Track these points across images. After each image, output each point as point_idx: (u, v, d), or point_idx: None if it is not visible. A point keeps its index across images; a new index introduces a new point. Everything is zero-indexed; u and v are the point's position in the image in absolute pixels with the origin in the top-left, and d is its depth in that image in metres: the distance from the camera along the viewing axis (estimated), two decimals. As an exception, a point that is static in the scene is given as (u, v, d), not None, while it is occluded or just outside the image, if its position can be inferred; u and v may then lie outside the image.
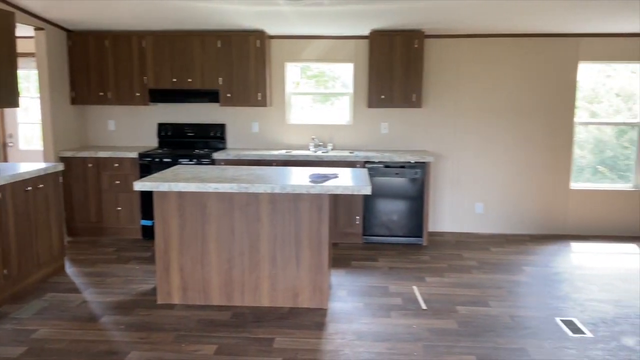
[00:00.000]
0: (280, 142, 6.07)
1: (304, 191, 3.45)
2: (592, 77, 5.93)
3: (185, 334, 3.40)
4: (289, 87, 6.06)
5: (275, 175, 3.89)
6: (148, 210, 5.51)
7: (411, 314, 3.74)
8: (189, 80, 5.69)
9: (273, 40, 5.89)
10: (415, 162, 5.37)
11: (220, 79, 5.67)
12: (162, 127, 6.04)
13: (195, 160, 5.51)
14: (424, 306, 3.86)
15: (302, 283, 3.81)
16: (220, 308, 3.81)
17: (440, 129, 5.92)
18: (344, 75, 6.09)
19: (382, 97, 5.58)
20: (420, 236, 5.47)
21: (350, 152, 5.64)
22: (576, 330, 3.48)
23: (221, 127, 6.03)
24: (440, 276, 4.53)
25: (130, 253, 5.11)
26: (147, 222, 5.57)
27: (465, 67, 5.80)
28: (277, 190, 3.46)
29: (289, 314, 3.73)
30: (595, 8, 4.53)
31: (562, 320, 3.64)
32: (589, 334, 3.42)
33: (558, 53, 5.71)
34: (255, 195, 3.73)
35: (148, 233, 5.57)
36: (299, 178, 3.76)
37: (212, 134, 6.02)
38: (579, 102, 5.85)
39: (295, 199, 3.71)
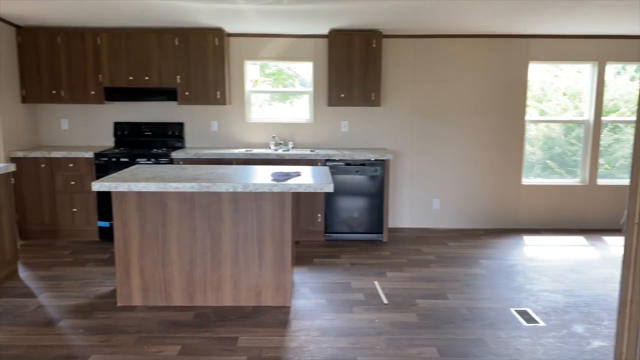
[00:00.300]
0: (240, 140, 6.05)
1: (266, 190, 3.47)
2: (540, 76, 6.17)
3: (147, 335, 3.36)
4: (248, 86, 6.04)
5: (236, 174, 3.88)
6: (105, 211, 5.39)
7: (373, 308, 3.81)
8: (146, 78, 5.59)
9: (232, 39, 5.86)
10: (375, 160, 5.45)
11: (179, 77, 5.59)
12: (119, 126, 5.91)
13: (153, 159, 5.42)
14: (385, 301, 3.94)
15: (265, 281, 3.82)
16: (182, 309, 3.78)
17: (398, 127, 6.03)
18: (303, 74, 6.12)
19: (342, 95, 5.64)
20: (380, 232, 5.57)
21: (311, 151, 5.68)
22: (530, 319, 3.64)
23: (179, 126, 5.95)
24: (401, 271, 4.63)
25: (87, 255, 4.99)
26: (104, 224, 5.45)
27: (422, 67, 5.93)
28: (239, 189, 3.46)
29: (252, 312, 3.73)
30: (543, 10, 4.72)
31: (517, 311, 3.79)
32: (541, 323, 3.58)
33: (509, 53, 5.92)
34: (217, 195, 3.71)
35: (106, 234, 5.45)
36: (261, 177, 3.77)
37: (170, 132, 5.94)
38: (529, 101, 6.08)
39: (258, 197, 3.72)
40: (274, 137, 5.94)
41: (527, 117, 6.07)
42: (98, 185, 3.46)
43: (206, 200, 3.72)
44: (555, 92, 6.25)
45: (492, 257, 5.05)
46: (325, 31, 5.68)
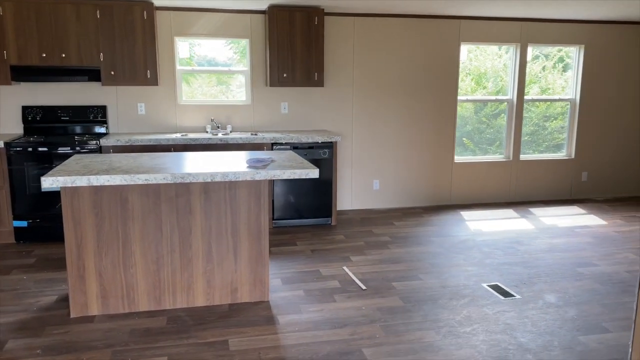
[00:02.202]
0: (170, 124, 5.56)
1: (248, 178, 3.18)
2: (464, 56, 6.39)
3: (123, 349, 2.95)
4: (179, 65, 5.56)
5: (202, 161, 3.52)
6: (22, 208, 4.69)
7: (355, 295, 3.70)
8: (63, 55, 4.91)
9: (160, 12, 5.33)
10: (323, 142, 5.31)
11: (102, 54, 4.98)
12: (28, 111, 5.15)
13: (78, 147, 4.80)
14: (363, 286, 3.85)
15: (241, 277, 3.54)
16: (150, 314, 3.38)
17: (338, 108, 5.92)
18: (240, 52, 5.76)
19: (285, 75, 5.39)
20: (329, 216, 5.46)
21: (253, 134, 5.38)
22: (505, 293, 3.75)
23: (102, 109, 5.33)
24: (363, 254, 4.56)
25: (8, 261, 4.31)
26: (21, 223, 4.74)
27: (361, 47, 5.85)
28: (217, 179, 3.13)
29: (230, 311, 3.45)
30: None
31: (489, 286, 3.89)
32: (517, 296, 3.71)
33: (443, 34, 6.03)
34: (186, 186, 3.35)
35: (24, 235, 4.76)
36: (230, 164, 3.45)
37: (91, 117, 5.30)
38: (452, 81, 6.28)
39: (232, 186, 3.42)
40: (212, 120, 5.54)
41: (459, 97, 6.26)
42: (50, 181, 2.94)
43: (173, 192, 3.34)
44: (479, 71, 6.50)
45: (441, 234, 5.17)
46: (263, 7, 5.37)
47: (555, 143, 6.77)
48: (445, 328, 3.22)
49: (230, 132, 5.55)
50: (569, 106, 6.70)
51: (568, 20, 6.30)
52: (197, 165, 3.36)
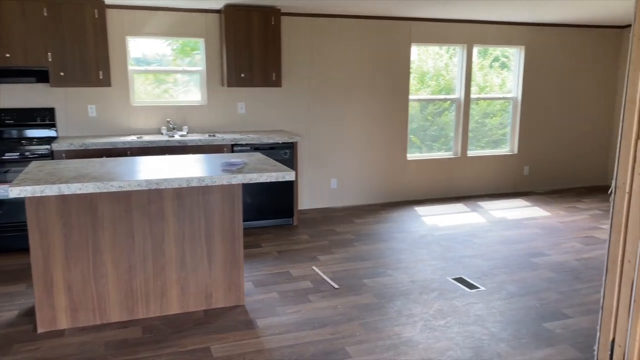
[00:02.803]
0: (123, 126, 5.39)
1: (224, 182, 3.15)
2: (414, 57, 6.58)
3: (101, 363, 2.86)
4: (131, 65, 5.38)
5: (172, 166, 3.44)
6: (-31, 219, 4.40)
7: (329, 295, 3.75)
8: (7, 55, 4.63)
9: (111, 11, 5.14)
10: (284, 143, 5.31)
11: (50, 54, 4.75)
12: (-31, 114, 4.83)
13: (28, 153, 4.55)
14: (335, 285, 3.91)
15: (215, 282, 3.51)
16: (123, 325, 3.28)
17: (295, 108, 5.94)
18: (194, 52, 5.65)
19: (242, 75, 5.35)
20: (291, 216, 5.47)
21: (211, 135, 5.31)
22: (470, 285, 3.93)
23: (50, 112, 5.08)
24: (330, 253, 4.62)
25: (-45, 276, 4.04)
26: (-34, 235, 4.45)
27: (318, 47, 5.90)
28: (194, 184, 3.08)
29: (206, 317, 3.41)
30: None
31: (454, 279, 4.06)
32: (482, 288, 3.89)
33: (395, 35, 6.19)
34: (159, 192, 3.27)
35: (-30, 248, 4.47)
36: (205, 168, 3.39)
37: (38, 120, 5.03)
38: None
39: (205, 191, 3.37)
40: (168, 121, 5.41)
41: (410, 97, 6.45)
42: (18, 191, 2.78)
43: (145, 198, 3.26)
44: (428, 71, 6.72)
45: (401, 230, 5.32)
46: (218, 6, 5.29)
47: (494, 139, 7.09)
48: (421, 322, 3.34)
49: (187, 133, 5.44)
50: (511, 104, 7.05)
51: (510, 23, 6.63)
52: (168, 169, 3.28)
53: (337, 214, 5.94)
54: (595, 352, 2.68)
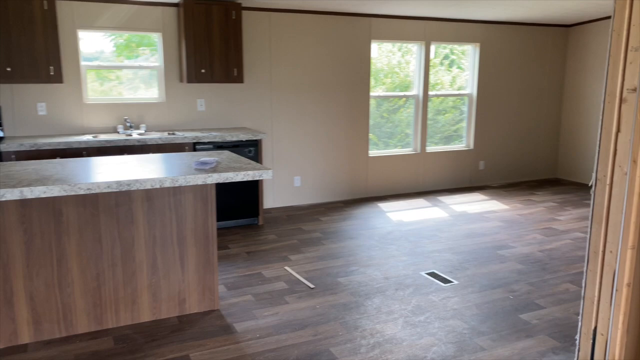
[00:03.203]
0: (76, 125, 5.10)
1: (199, 182, 3.01)
2: (375, 54, 6.60)
3: (72, 378, 2.67)
4: (84, 60, 5.10)
5: (139, 166, 3.26)
6: None
7: (305, 295, 3.68)
8: (-54, 49, 4.27)
9: (61, 2, 4.84)
10: (248, 141, 5.18)
11: (-5, 48, 4.42)
12: None
13: (-27, 155, 4.22)
14: (311, 285, 3.84)
15: (189, 287, 3.36)
16: (92, 336, 3.09)
17: (257, 105, 5.82)
18: (151, 47, 5.41)
19: (203, 71, 5.17)
20: (256, 216, 5.36)
21: (170, 133, 5.11)
22: (444, 280, 3.96)
23: (-6, 111, 4.73)
24: (300, 252, 4.55)
25: None
26: None
27: (278, 43, 5.79)
28: (167, 184, 2.92)
29: (181, 324, 3.26)
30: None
31: (427, 274, 4.08)
32: (455, 282, 3.92)
33: (356, 31, 6.17)
34: (127, 194, 3.09)
35: None
36: (175, 167, 3.24)
37: (-18, 119, 4.68)
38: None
39: (177, 192, 3.22)
40: (126, 119, 5.16)
41: (371, 93, 6.45)
42: (-26, 196, 2.55)
43: (113, 200, 3.07)
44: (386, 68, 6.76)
45: (367, 227, 5.31)
46: (176, -1, 5.10)
47: (446, 135, 7.19)
48: (401, 319, 3.32)
49: (145, 132, 5.21)
50: (466, 100, 7.19)
51: (466, 20, 6.75)
52: (135, 170, 3.10)
53: (301, 212, 5.86)
54: (577, 341, 2.75)
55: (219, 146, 5.06)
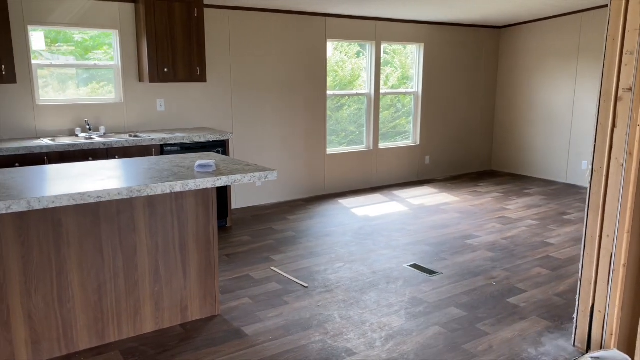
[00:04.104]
0: (28, 128, 4.75)
1: (209, 185, 2.94)
2: (329, 52, 6.69)
3: (92, 397, 2.53)
4: (35, 59, 4.75)
5: (128, 171, 3.12)
6: None
7: (302, 294, 3.70)
8: None
9: (10, -4, 4.48)
10: (215, 141, 5.08)
11: (-62, 45, 4.01)
12: None
13: None
14: (304, 284, 3.86)
15: (191, 293, 3.27)
16: (96, 351, 2.93)
17: (218, 104, 5.71)
18: (106, 45, 5.14)
19: (166, 70, 5.00)
20: (224, 218, 5.27)
21: (132, 135, 4.90)
22: (428, 271, 4.13)
23: None
24: (280, 252, 4.54)
25: None
26: None
27: (238, 41, 5.71)
28: (177, 189, 2.82)
29: (186, 332, 3.17)
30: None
31: (410, 266, 4.23)
32: (439, 272, 4.11)
33: (312, 31, 6.22)
34: (129, 201, 2.96)
35: None
36: (172, 171, 3.13)
37: None
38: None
39: (179, 197, 3.12)
40: (86, 121, 4.87)
41: (328, 92, 6.54)
42: (-22, 209, 2.33)
43: (114, 208, 2.93)
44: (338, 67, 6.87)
45: (337, 224, 5.39)
46: (135, -5, 4.89)
47: (384, 132, 7.33)
48: (402, 311, 3.44)
49: (105, 134, 4.95)
50: (412, 98, 7.48)
51: (412, 21, 7.02)
52: (129, 175, 2.96)
53: (266, 212, 5.84)
54: (575, 319, 3.00)
55: (186, 147, 4.92)
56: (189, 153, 4.77)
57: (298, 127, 6.32)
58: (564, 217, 5.68)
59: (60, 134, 4.87)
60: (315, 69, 6.33)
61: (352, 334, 3.13)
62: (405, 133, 7.52)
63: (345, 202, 6.31)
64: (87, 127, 4.87)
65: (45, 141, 4.47)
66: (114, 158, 4.55)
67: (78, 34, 4.99)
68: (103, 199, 2.60)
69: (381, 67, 6.94)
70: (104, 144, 4.50)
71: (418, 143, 7.53)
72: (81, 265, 2.86)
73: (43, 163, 4.24)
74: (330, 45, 6.56)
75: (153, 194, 2.74)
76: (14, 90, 4.62)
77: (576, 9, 6.78)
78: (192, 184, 2.86)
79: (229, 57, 5.67)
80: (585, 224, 2.89)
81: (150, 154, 4.72)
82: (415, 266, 4.23)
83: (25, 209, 2.41)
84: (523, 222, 5.47)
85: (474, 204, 6.25)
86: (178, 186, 2.82)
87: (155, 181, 2.77)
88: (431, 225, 5.35)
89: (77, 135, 4.83)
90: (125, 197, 2.66)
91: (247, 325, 3.24)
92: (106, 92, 5.16)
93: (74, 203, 2.52)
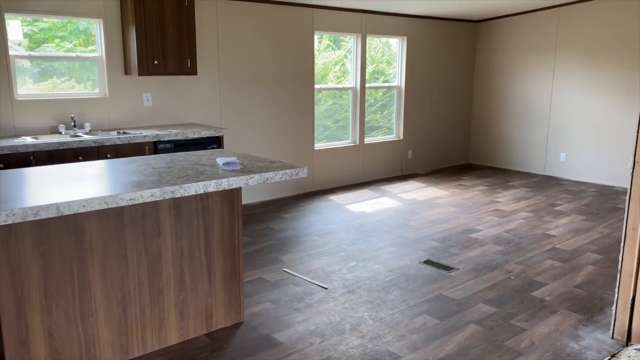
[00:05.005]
0: (6, 126, 4.35)
1: (242, 184, 2.73)
2: (316, 45, 6.53)
3: (132, 421, 2.29)
4: (12, 50, 4.35)
5: (141, 170, 2.86)
6: None
7: (325, 296, 3.54)
8: None
9: (-15, -21, 4.07)
10: (209, 137, 4.83)
11: None
12: None
13: None
14: (324, 285, 3.70)
15: (216, 300, 3.05)
16: (121, 369, 2.67)
17: (206, 98, 5.44)
18: (88, 34, 4.78)
19: (155, 63, 4.70)
20: (220, 217, 5.01)
21: (120, 132, 4.58)
22: (445, 267, 4.06)
23: None
24: (288, 252, 4.36)
25: None
26: None
27: (227, 32, 5.46)
28: (211, 189, 2.60)
29: (214, 342, 2.95)
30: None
31: (424, 262, 4.15)
32: (456, 268, 4.05)
33: (299, 22, 6.03)
34: (154, 202, 2.71)
35: None
36: (194, 169, 2.90)
37: None
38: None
39: (204, 197, 2.90)
40: (72, 117, 4.51)
41: (315, 86, 6.37)
42: (3, 218, 2.04)
43: (139, 211, 2.68)
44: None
45: (337, 221, 5.25)
46: (121, -18, 4.56)
47: (367, 126, 7.20)
48: (433, 310, 3.35)
49: (90, 131, 4.61)
50: (395, 92, 7.42)
51: (396, 14, 6.95)
52: (154, 174, 2.71)
53: (258, 211, 5.62)
54: (614, 311, 2.99)
55: (180, 144, 4.64)
56: (184, 150, 4.54)
57: (286, 122, 6.12)
58: (555, 208, 5.77)
59: (42, 131, 4.49)
60: (303, 62, 6.15)
61: (389, 337, 3.01)
62: (379, 128, 7.39)
63: (336, 198, 6.17)
64: (73, 123, 4.51)
65: (29, 139, 4.10)
66: (106, 157, 4.24)
67: (61, 31, 4.61)
68: (136, 202, 2.35)
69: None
70: (94, 141, 4.17)
71: (401, 137, 7.49)
72: (104, 274, 2.60)
73: (29, 163, 3.88)
74: (317, 38, 6.40)
75: (187, 194, 2.51)
76: (-11, 83, 4.22)
77: (553, 4, 6.90)
78: (226, 183, 2.65)
79: (217, 50, 5.41)
80: (625, 215, 2.88)
81: (143, 152, 4.42)
82: (429, 262, 4.15)
83: (55, 215, 2.14)
84: (518, 215, 5.50)
85: (464, 197, 6.25)
86: (212, 186, 2.60)
87: (184, 181, 2.55)
88: (431, 220, 5.29)
89: (61, 133, 4.47)
90: (158, 198, 2.42)
91: (277, 331, 3.06)
92: (88, 86, 4.80)
93: (106, 207, 2.27)
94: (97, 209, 2.25)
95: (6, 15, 4.24)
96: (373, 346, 2.90)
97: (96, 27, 4.73)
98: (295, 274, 3.90)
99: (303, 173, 2.99)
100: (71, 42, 4.72)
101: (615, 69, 6.58)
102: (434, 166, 8.01)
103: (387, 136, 7.44)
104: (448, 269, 4.03)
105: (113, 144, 4.27)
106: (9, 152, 3.81)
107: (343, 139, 6.94)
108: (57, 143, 4.01)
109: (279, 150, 6.09)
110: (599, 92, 6.78)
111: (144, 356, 2.78)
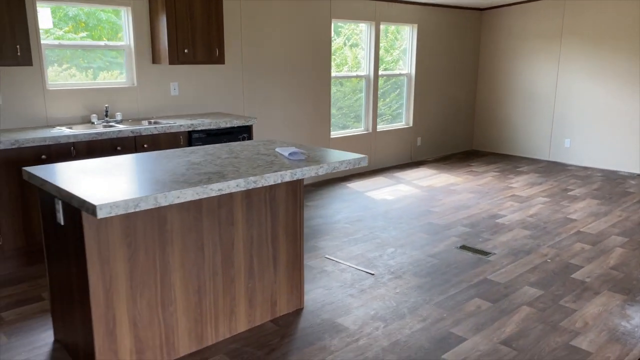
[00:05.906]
0: (38, 116, 4.29)
1: (312, 174, 2.77)
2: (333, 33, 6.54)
3: (227, 406, 2.34)
4: (44, 38, 4.28)
5: (215, 160, 2.88)
6: None
7: (373, 282, 3.62)
8: None
9: (19, -34, 3.97)
10: (240, 127, 4.84)
11: (-53, 21, 3.50)
12: None
13: (-62, 158, 3.33)
14: (371, 272, 3.78)
15: (280, 287, 3.11)
16: (197, 356, 2.71)
17: (230, 87, 5.43)
18: (117, 23, 4.71)
19: (186, 51, 4.67)
20: (250, 206, 5.04)
21: (152, 122, 4.56)
22: (482, 252, 4.17)
23: (-63, 101, 3.77)
24: (323, 239, 4.43)
25: None
26: None
27: (249, 22, 5.44)
28: (287, 179, 2.64)
29: (280, 328, 3.01)
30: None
31: (460, 248, 4.26)
32: (493, 252, 4.17)
33: (317, 11, 6.03)
34: (230, 193, 2.73)
35: None
36: (248, 160, 2.92)
37: None
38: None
39: (272, 187, 2.94)
40: (106, 107, 4.46)
41: (333, 74, 6.40)
42: (108, 209, 2.05)
43: (215, 202, 2.70)
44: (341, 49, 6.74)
45: (362, 208, 5.32)
46: (151, -31, 4.50)
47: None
48: (484, 293, 3.46)
49: (122, 120, 4.57)
50: (405, 80, 7.49)
51: (407, 2, 6.99)
52: (227, 165, 2.73)
53: (283, 199, 5.65)
54: (662, 292, 3.14)
55: (213, 134, 4.64)
56: (216, 140, 4.56)
57: (304, 110, 6.15)
58: (569, 193, 5.94)
59: (74, 121, 4.44)
60: (320, 50, 6.16)
61: (450, 320, 3.11)
62: (382, 115, 7.42)
63: (354, 185, 6.24)
64: (105, 113, 4.46)
65: (66, 130, 4.05)
66: (142, 147, 4.22)
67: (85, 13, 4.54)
68: (224, 192, 2.39)
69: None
70: (132, 131, 4.15)
71: (411, 125, 7.57)
72: (183, 264, 2.63)
73: (70, 154, 3.85)
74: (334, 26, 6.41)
75: (267, 184, 2.55)
76: (21, 73, 4.14)
77: (563, -7, 7.02)
78: (300, 173, 2.70)
79: (240, 39, 5.39)
80: (676, 200, 3.01)
81: (178, 142, 4.41)
82: (465, 248, 4.26)
83: (153, 206, 2.16)
84: (536, 200, 5.65)
85: (479, 183, 6.38)
86: (287, 175, 2.64)
87: (261, 171, 2.58)
88: (454, 206, 5.40)
89: (93, 123, 4.42)
90: (242, 188, 2.46)
91: (339, 317, 3.13)
92: (115, 75, 4.75)
93: (197, 197, 2.30)
94: (190, 199, 2.27)
95: (37, 3, 4.16)
96: (437, 330, 2.99)
97: (123, 15, 4.66)
98: (338, 260, 3.97)
99: (364, 162, 3.05)
100: (98, 32, 4.65)
101: (621, 57, 6.75)
102: (441, 153, 8.13)
103: (397, 123, 7.51)
104: (485, 253, 4.14)
105: (150, 134, 4.25)
106: (50, 142, 3.77)
107: (348, 127, 6.98)
108: (96, 134, 3.97)
109: (296, 138, 6.12)
110: (604, 79, 6.95)
111: (217, 344, 2.83)
